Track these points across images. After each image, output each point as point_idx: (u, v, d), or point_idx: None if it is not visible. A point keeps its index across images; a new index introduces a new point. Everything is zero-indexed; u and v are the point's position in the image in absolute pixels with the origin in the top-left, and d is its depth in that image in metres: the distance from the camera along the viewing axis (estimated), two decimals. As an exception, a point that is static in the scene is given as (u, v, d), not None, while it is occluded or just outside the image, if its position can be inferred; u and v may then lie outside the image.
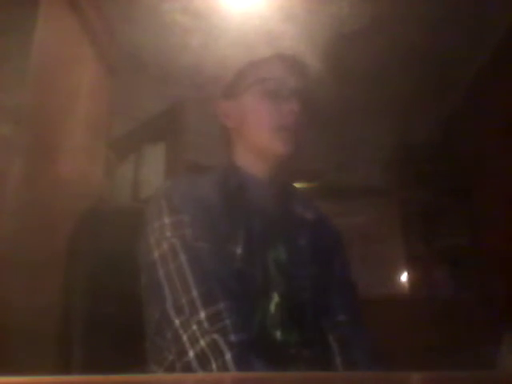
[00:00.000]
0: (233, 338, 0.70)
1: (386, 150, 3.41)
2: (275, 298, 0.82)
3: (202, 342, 0.70)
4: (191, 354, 0.70)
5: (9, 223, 1.41)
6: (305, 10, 2.30)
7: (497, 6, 2.22)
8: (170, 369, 0.73)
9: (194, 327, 0.71)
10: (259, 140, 0.93)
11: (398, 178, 3.43)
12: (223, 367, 0.68)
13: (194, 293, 0.74)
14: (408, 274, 3.33)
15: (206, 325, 0.71)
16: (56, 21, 1.73)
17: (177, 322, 0.73)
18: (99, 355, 0.86)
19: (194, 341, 0.70)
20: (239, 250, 0.82)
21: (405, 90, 2.83)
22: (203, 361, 0.69)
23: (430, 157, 3.32)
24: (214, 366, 0.68)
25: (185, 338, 0.71)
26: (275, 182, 0.95)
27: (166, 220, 0.81)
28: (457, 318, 2.66)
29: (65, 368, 0.86)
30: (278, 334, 0.81)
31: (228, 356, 0.68)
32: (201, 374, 0.68)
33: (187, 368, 0.70)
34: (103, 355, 0.86)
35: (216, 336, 0.70)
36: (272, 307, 0.82)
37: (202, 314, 0.72)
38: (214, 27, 2.40)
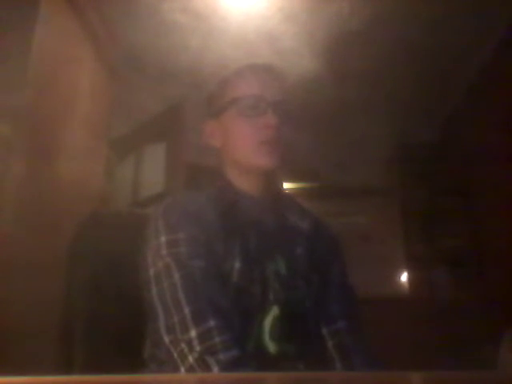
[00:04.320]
0: (221, 356, 0.71)
1: (386, 150, 3.41)
2: (274, 311, 0.83)
3: (191, 359, 0.72)
4: (182, 370, 0.72)
5: (9, 223, 1.41)
6: (305, 10, 2.30)
7: (497, 6, 2.22)
8: None
9: (183, 345, 0.73)
10: (242, 157, 0.94)
11: (398, 178, 3.43)
12: None
13: (186, 311, 0.75)
14: (408, 274, 3.33)
15: (194, 343, 0.72)
16: (56, 21, 1.73)
17: (167, 340, 0.75)
18: (99, 355, 0.86)
19: (183, 358, 0.72)
20: (237, 265, 0.82)
21: (405, 89, 2.83)
22: None
23: (430, 157, 3.32)
24: None
25: (175, 355, 0.73)
26: (267, 195, 0.96)
27: (163, 238, 0.82)
28: (457, 318, 2.66)
29: (65, 368, 0.86)
30: (275, 348, 0.81)
31: (215, 370, 0.70)
32: (201, 374, 0.68)
33: None
34: (103, 355, 0.86)
35: (204, 354, 0.71)
36: (270, 320, 0.82)
37: (193, 333, 0.73)
38: (214, 27, 2.40)
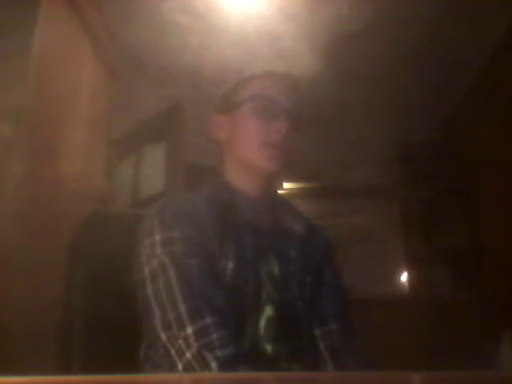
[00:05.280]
0: (218, 353, 0.71)
1: (386, 150, 3.42)
2: (268, 312, 0.83)
3: (188, 355, 0.71)
4: (180, 366, 0.72)
5: (9, 223, 1.41)
6: (305, 10, 2.30)
7: (497, 6, 2.22)
8: None
9: (180, 341, 0.72)
10: (247, 155, 0.94)
11: (398, 178, 3.43)
12: None
13: (182, 308, 0.75)
14: (408, 274, 3.33)
15: (191, 340, 0.72)
16: (56, 21, 1.73)
17: (164, 337, 0.74)
18: (99, 355, 0.86)
19: (180, 354, 0.72)
20: (231, 265, 0.82)
21: (405, 89, 2.83)
22: (190, 372, 0.70)
23: (430, 157, 3.32)
24: None
25: (173, 351, 0.73)
26: (264, 196, 0.96)
27: (157, 237, 0.82)
28: (457, 318, 2.66)
29: (65, 368, 0.86)
30: (270, 348, 0.81)
31: (214, 366, 0.70)
32: (199, 374, 0.68)
33: None
34: (103, 355, 0.86)
35: (201, 350, 0.71)
36: (263, 321, 0.82)
37: (189, 330, 0.73)
38: (214, 27, 2.40)
